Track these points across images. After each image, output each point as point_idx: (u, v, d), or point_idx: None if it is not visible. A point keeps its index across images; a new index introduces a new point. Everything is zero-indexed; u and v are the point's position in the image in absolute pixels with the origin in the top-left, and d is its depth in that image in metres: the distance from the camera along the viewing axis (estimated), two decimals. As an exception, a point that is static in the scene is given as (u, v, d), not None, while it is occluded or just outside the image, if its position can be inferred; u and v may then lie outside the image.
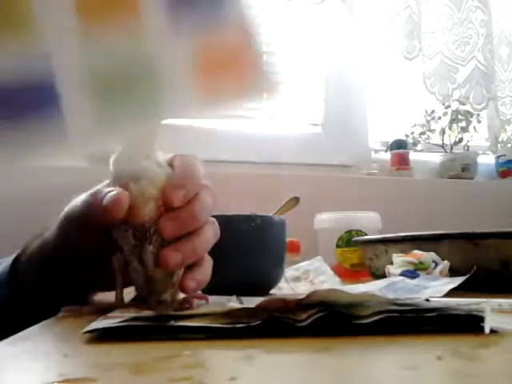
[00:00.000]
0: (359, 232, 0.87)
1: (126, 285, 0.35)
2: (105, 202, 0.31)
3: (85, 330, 0.25)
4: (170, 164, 0.34)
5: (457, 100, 1.29)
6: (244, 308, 0.28)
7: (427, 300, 0.31)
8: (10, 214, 0.91)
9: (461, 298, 0.29)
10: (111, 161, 0.33)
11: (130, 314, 0.28)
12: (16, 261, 0.43)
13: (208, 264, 0.35)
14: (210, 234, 0.35)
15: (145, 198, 0.32)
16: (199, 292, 0.36)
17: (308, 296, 0.30)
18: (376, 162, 1.33)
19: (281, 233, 0.53)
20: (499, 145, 1.43)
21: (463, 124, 1.37)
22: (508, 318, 0.32)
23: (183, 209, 0.32)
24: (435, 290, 0.38)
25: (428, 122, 1.37)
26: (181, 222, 0.32)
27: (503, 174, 1.39)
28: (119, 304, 0.34)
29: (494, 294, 0.33)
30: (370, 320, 0.26)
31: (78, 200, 0.37)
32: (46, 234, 0.41)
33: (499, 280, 0.51)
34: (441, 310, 0.27)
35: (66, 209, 0.39)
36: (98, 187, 0.35)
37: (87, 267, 0.38)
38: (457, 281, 0.41)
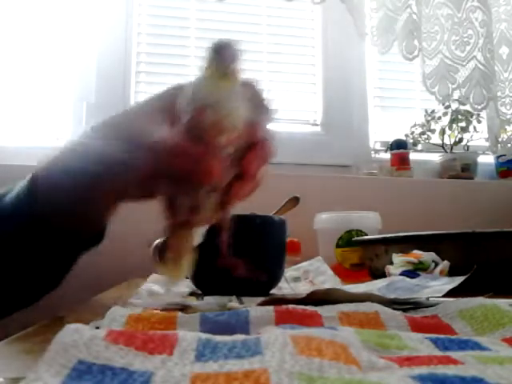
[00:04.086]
0: (359, 232, 0.87)
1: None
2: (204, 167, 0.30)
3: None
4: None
5: (457, 100, 1.29)
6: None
7: (427, 299, 0.31)
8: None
9: (461, 297, 0.29)
10: (191, 84, 0.31)
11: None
12: (34, 179, 0.40)
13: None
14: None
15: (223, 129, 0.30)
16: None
17: (308, 296, 0.30)
18: (376, 161, 1.33)
19: (281, 233, 0.53)
20: (499, 145, 1.43)
21: (463, 124, 1.37)
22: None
23: (263, 144, 0.33)
24: (435, 289, 0.38)
25: (428, 121, 1.37)
26: (263, 158, 0.34)
27: (503, 174, 1.39)
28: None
29: (494, 294, 0.33)
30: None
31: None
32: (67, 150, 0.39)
33: (499, 280, 0.51)
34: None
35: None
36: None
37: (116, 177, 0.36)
38: (457, 280, 0.40)
